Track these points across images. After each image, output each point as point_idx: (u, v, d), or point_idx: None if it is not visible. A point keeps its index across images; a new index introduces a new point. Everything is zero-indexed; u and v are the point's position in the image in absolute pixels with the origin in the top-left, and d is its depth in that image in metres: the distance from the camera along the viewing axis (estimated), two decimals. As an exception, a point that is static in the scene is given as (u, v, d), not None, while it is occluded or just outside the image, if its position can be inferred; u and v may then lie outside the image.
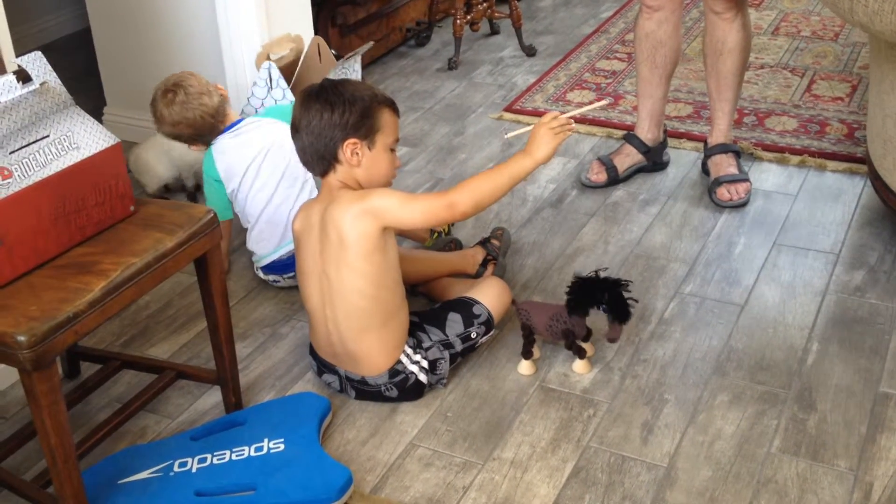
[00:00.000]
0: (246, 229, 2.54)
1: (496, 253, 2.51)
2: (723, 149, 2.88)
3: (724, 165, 2.85)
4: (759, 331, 2.30)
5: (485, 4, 3.95)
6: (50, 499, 1.78)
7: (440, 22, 4.19)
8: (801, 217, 2.73)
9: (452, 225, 2.70)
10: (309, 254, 2.08)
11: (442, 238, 2.62)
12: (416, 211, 1.99)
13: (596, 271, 2.12)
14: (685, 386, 2.13)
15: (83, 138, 1.79)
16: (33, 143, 1.72)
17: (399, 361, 2.08)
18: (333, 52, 3.06)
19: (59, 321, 1.60)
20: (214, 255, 1.93)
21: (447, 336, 2.15)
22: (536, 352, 2.21)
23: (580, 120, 2.13)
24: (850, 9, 2.17)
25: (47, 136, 1.74)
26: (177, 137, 2.52)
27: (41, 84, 1.77)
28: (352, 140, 2.00)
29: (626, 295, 2.08)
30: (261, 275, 2.54)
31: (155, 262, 1.78)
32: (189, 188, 2.95)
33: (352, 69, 2.96)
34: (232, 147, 2.48)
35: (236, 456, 1.95)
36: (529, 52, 3.96)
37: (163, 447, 2.00)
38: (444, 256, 2.49)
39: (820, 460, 1.92)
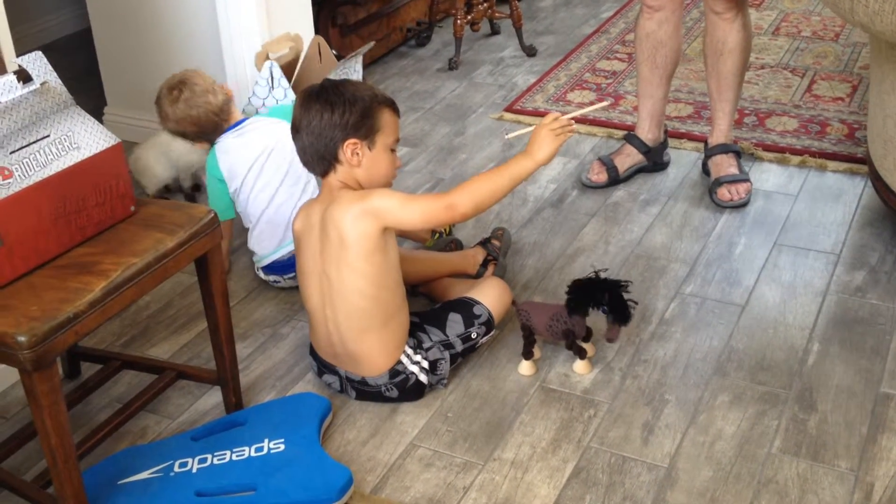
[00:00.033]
0: (247, 229, 2.54)
1: (497, 253, 2.51)
2: (723, 149, 2.88)
3: (724, 166, 2.85)
4: (759, 331, 2.29)
5: (485, 4, 3.95)
6: (50, 499, 1.78)
7: (441, 22, 4.18)
8: (801, 217, 2.73)
9: (453, 225, 2.70)
10: (309, 254, 2.07)
11: (443, 238, 2.62)
12: (416, 212, 1.99)
13: (596, 272, 2.12)
14: (686, 386, 2.13)
15: (84, 138, 1.78)
16: (34, 142, 1.72)
17: (399, 362, 2.08)
18: (334, 51, 3.06)
19: (60, 321, 1.60)
20: (215, 255, 1.93)
21: (448, 336, 2.15)
22: (537, 352, 2.21)
23: (580, 120, 2.14)
24: (851, 9, 2.17)
25: (48, 136, 1.74)
26: (181, 135, 2.52)
27: (42, 84, 1.77)
28: (352, 140, 2.00)
29: (626, 296, 2.08)
30: (261, 275, 2.54)
31: (155, 263, 1.78)
32: (186, 189, 2.95)
33: (353, 69, 2.96)
34: (235, 146, 2.48)
35: (237, 456, 1.95)
36: (530, 52, 3.96)
37: (163, 447, 2.00)
38: (445, 257, 2.49)
39: (821, 461, 1.92)
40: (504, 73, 3.81)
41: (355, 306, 2.02)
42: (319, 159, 2.04)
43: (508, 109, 3.47)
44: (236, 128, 2.50)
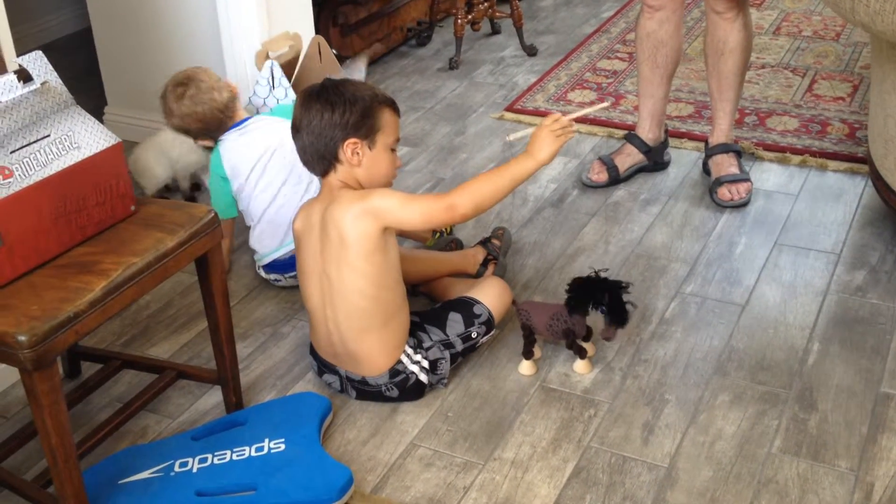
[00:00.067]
0: (248, 228, 2.54)
1: (497, 253, 2.51)
2: (724, 148, 2.88)
3: (725, 165, 2.85)
4: (759, 331, 2.29)
5: (486, 4, 3.95)
6: (50, 499, 1.78)
7: (441, 22, 4.18)
8: (802, 217, 2.73)
9: (454, 225, 2.70)
10: (309, 253, 2.08)
11: (443, 238, 2.62)
12: (416, 212, 1.99)
13: (596, 272, 2.12)
14: (686, 386, 2.13)
15: (84, 138, 1.78)
16: (34, 142, 1.72)
17: (400, 361, 2.08)
18: (334, 51, 3.06)
19: (60, 321, 1.60)
20: (215, 254, 1.93)
21: (448, 336, 2.15)
22: (537, 352, 2.21)
23: (581, 120, 2.13)
24: (852, 9, 2.17)
25: (48, 135, 1.74)
26: (185, 131, 2.53)
27: (42, 83, 1.77)
28: (352, 140, 2.00)
29: (625, 298, 2.08)
30: (262, 274, 2.54)
31: (156, 262, 1.78)
32: (185, 191, 2.96)
33: (357, 70, 2.96)
34: (239, 145, 2.49)
35: (237, 456, 1.95)
36: (530, 51, 3.95)
37: (163, 447, 2.00)
38: (445, 256, 2.49)
39: (821, 460, 1.92)
40: (505, 72, 3.81)
41: (355, 306, 2.02)
42: (320, 159, 2.04)
43: (509, 109, 3.47)
44: (240, 126, 2.50)
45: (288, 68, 2.93)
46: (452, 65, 3.85)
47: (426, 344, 2.13)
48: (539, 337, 2.20)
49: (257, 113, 2.72)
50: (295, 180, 2.46)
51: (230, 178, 2.50)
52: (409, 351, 2.10)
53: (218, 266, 1.94)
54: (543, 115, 3.38)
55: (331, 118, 1.99)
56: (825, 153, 3.03)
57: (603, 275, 2.11)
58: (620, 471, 1.92)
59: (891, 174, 2.45)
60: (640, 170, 2.98)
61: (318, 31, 3.29)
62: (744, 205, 2.79)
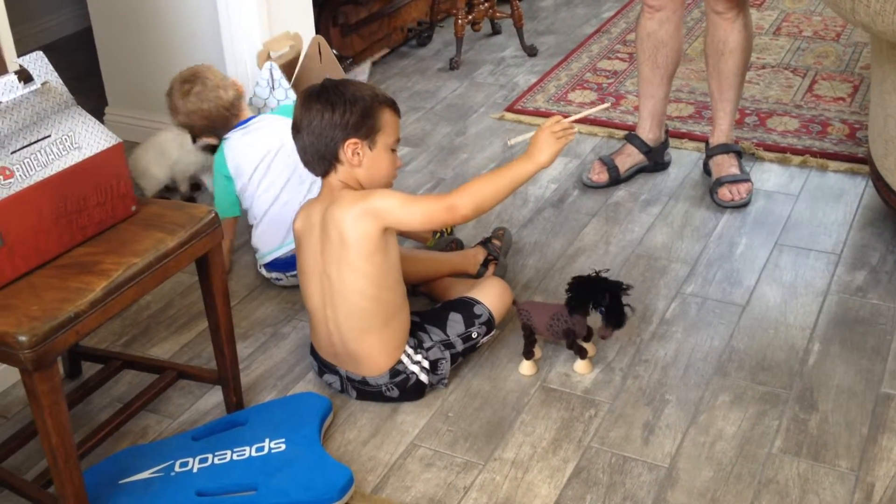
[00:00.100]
0: (250, 227, 2.55)
1: (497, 253, 2.51)
2: (724, 149, 2.88)
3: (725, 166, 2.85)
4: (760, 331, 2.29)
5: (486, 4, 3.95)
6: (51, 499, 1.78)
7: (441, 22, 4.18)
8: (802, 217, 2.73)
9: (454, 225, 2.70)
10: (310, 254, 2.08)
11: (443, 238, 2.62)
12: (417, 213, 1.99)
13: (596, 272, 2.12)
14: (686, 386, 2.13)
15: (84, 138, 1.79)
16: (35, 142, 1.72)
17: (400, 361, 2.08)
18: (334, 51, 3.06)
19: (61, 321, 1.60)
20: (216, 254, 1.93)
21: (448, 336, 2.15)
22: (538, 352, 2.21)
23: (581, 120, 2.13)
24: (852, 9, 2.17)
25: (49, 135, 1.74)
26: (190, 128, 2.54)
27: (42, 84, 1.77)
28: (353, 140, 2.00)
29: (624, 301, 2.08)
30: (263, 272, 2.54)
31: (156, 262, 1.78)
32: (184, 192, 2.96)
33: (360, 73, 2.97)
34: (243, 144, 2.49)
35: (237, 456, 1.95)
36: (531, 52, 3.96)
37: (164, 447, 2.00)
38: (446, 256, 2.49)
39: (821, 461, 1.92)
40: (505, 72, 3.81)
41: (356, 306, 2.02)
42: (320, 159, 2.04)
43: (509, 109, 3.47)
44: (244, 125, 2.51)
45: (288, 68, 2.93)
46: (453, 65, 3.85)
47: (426, 344, 2.13)
48: (539, 337, 2.20)
49: (259, 112, 2.72)
50: (298, 179, 2.46)
51: (234, 177, 2.50)
52: (410, 351, 2.10)
53: (218, 266, 1.94)
54: (544, 115, 3.39)
55: (331, 118, 1.99)
56: (825, 153, 3.03)
57: (603, 275, 2.11)
58: (621, 471, 1.92)
59: (891, 174, 2.45)
60: (640, 170, 2.98)
61: (318, 32, 3.29)
62: (744, 205, 2.79)
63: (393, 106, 2.07)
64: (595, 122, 3.31)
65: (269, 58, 2.84)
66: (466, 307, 2.19)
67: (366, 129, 2.01)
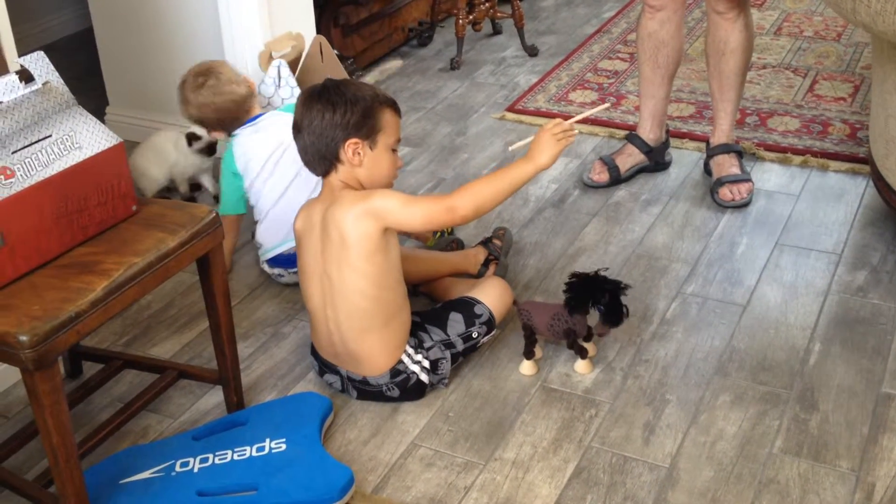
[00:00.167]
0: (255, 224, 2.56)
1: (498, 253, 2.51)
2: (725, 149, 2.88)
3: (726, 165, 2.85)
4: (761, 331, 2.29)
5: (487, 4, 3.95)
6: (51, 498, 1.79)
7: (442, 22, 4.18)
8: (803, 217, 2.73)
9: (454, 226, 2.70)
10: (310, 253, 2.08)
11: (444, 238, 2.62)
12: (417, 213, 1.99)
13: (596, 271, 2.12)
14: (687, 386, 2.13)
15: (85, 138, 1.79)
16: (36, 142, 1.72)
17: (400, 361, 2.08)
18: (335, 51, 3.06)
19: (62, 321, 1.61)
20: (216, 254, 1.93)
21: (449, 336, 2.15)
22: (538, 352, 2.21)
23: (582, 120, 2.14)
24: (853, 9, 2.17)
25: (49, 135, 1.74)
26: (200, 121, 2.57)
27: (43, 84, 1.77)
28: (353, 140, 2.00)
29: (623, 300, 2.08)
30: (266, 268, 2.55)
31: (157, 262, 1.78)
32: (184, 193, 2.96)
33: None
34: (252, 141, 2.51)
35: (238, 456, 1.95)
36: (532, 51, 3.95)
37: (165, 447, 2.00)
38: (446, 256, 2.49)
39: (822, 461, 1.92)
40: (506, 72, 3.81)
41: (356, 306, 2.02)
42: (321, 159, 2.04)
43: (510, 109, 3.47)
44: (253, 122, 2.53)
45: (290, 68, 2.92)
46: (453, 65, 3.85)
47: (427, 344, 2.13)
48: (540, 337, 2.20)
49: (267, 104, 2.73)
50: (305, 176, 2.46)
51: (242, 173, 2.52)
52: (410, 351, 2.10)
53: (219, 266, 1.94)
54: (545, 115, 3.39)
55: (332, 118, 1.99)
56: (826, 153, 3.03)
57: (602, 273, 2.11)
58: (621, 471, 1.92)
59: (892, 174, 2.45)
60: (641, 170, 2.98)
61: (319, 32, 3.29)
62: (745, 205, 2.79)
63: (394, 106, 2.07)
64: (596, 122, 3.31)
65: (270, 58, 2.85)
66: (467, 307, 2.19)
67: (366, 129, 2.01)
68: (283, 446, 1.96)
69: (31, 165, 1.69)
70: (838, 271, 2.49)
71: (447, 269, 2.45)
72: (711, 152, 2.90)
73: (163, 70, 3.19)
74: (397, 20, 3.96)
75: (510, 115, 3.42)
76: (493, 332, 2.22)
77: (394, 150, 2.07)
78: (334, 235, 2.00)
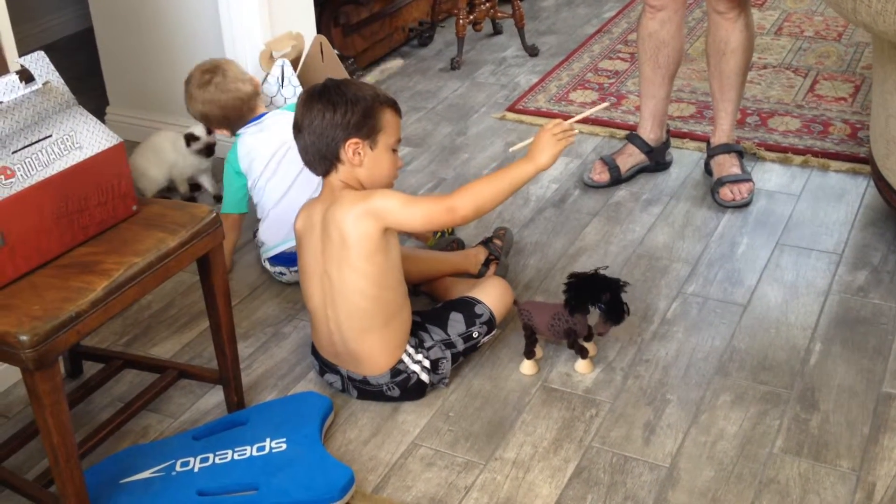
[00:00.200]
0: (256, 223, 2.56)
1: (498, 253, 2.51)
2: (726, 149, 2.88)
3: (727, 165, 2.85)
4: (761, 331, 2.29)
5: (487, 4, 3.95)
6: (52, 498, 1.79)
7: (443, 22, 4.18)
8: (804, 217, 2.73)
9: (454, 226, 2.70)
10: (310, 253, 2.08)
11: (444, 238, 2.62)
12: (417, 214, 1.99)
13: (595, 270, 2.12)
14: (687, 386, 2.13)
15: (86, 138, 1.79)
16: (36, 142, 1.72)
17: (401, 361, 2.08)
18: (336, 51, 3.06)
19: (62, 320, 1.61)
20: (217, 254, 1.93)
21: (449, 335, 2.15)
22: (539, 351, 2.21)
23: (582, 120, 2.14)
24: (854, 9, 2.17)
25: (50, 135, 1.74)
26: (205, 118, 2.57)
27: (44, 84, 1.77)
28: (354, 140, 2.00)
29: (623, 298, 2.08)
30: (267, 266, 2.55)
31: (157, 262, 1.78)
32: (183, 193, 2.96)
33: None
34: (256, 140, 2.51)
35: (238, 455, 1.95)
36: (532, 51, 3.95)
37: (165, 446, 2.00)
38: (447, 256, 2.49)
39: (822, 461, 1.92)
40: (506, 72, 3.81)
41: (357, 306, 2.02)
42: (321, 159, 2.04)
43: (511, 109, 3.46)
44: (258, 121, 2.54)
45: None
46: (454, 65, 3.85)
47: (427, 343, 2.13)
48: (540, 337, 2.20)
49: (270, 103, 2.74)
50: (307, 175, 2.46)
51: (246, 172, 2.52)
52: (411, 350, 2.10)
53: (219, 266, 1.94)
54: (545, 115, 3.39)
55: (332, 118, 1.99)
56: (827, 153, 3.03)
57: (602, 272, 2.11)
58: (622, 471, 1.92)
59: (893, 174, 2.45)
60: (641, 170, 2.98)
61: (319, 32, 3.29)
62: (745, 205, 2.79)
63: (394, 106, 2.07)
64: (596, 121, 3.31)
65: (271, 57, 2.85)
66: (467, 307, 2.19)
67: (367, 128, 2.01)
68: (284, 446, 1.96)
69: (31, 165, 1.69)
70: (839, 271, 2.49)
71: (448, 269, 2.45)
72: (712, 152, 2.90)
73: (163, 70, 3.20)
74: (398, 20, 3.96)
75: (511, 115, 3.42)
76: (493, 332, 2.22)
77: (394, 150, 2.07)
78: (335, 235, 2.00)
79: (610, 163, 2.94)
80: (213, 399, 2.17)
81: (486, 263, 2.48)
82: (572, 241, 2.68)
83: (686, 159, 3.07)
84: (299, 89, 2.78)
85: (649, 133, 2.95)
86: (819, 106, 3.34)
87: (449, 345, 2.14)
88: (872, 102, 2.57)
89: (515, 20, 3.94)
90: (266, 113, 2.56)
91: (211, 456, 1.95)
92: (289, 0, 3.09)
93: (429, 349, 2.12)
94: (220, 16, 2.98)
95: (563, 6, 4.52)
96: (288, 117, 2.51)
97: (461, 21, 3.82)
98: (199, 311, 2.46)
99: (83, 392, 2.10)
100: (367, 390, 2.11)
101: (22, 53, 1.90)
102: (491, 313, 2.19)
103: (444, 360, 2.12)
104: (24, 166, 1.68)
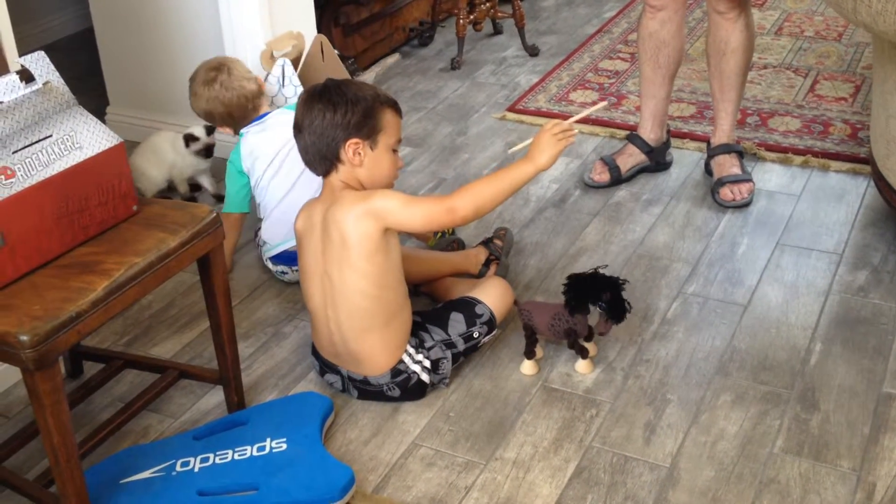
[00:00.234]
0: (258, 223, 2.56)
1: (499, 253, 2.51)
2: (726, 149, 2.88)
3: (727, 166, 2.85)
4: (762, 331, 2.29)
5: (488, 4, 3.95)
6: (52, 498, 1.79)
7: (443, 22, 4.18)
8: (804, 217, 2.73)
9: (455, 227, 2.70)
10: (311, 254, 2.08)
11: (445, 238, 2.62)
12: (417, 214, 1.99)
13: (595, 269, 2.12)
14: (688, 386, 2.13)
15: (86, 138, 1.79)
16: (36, 142, 1.72)
17: (401, 361, 2.08)
18: (336, 51, 3.06)
19: (62, 321, 1.61)
20: (217, 254, 1.93)
21: (449, 336, 2.15)
22: (539, 351, 2.21)
23: (583, 120, 2.14)
24: (854, 9, 2.17)
25: (50, 135, 1.74)
26: (208, 116, 2.57)
27: (44, 84, 1.77)
28: (354, 140, 2.00)
29: (624, 295, 2.09)
30: (269, 265, 2.55)
31: (158, 262, 1.78)
32: (183, 194, 2.96)
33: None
34: (260, 140, 2.51)
35: (239, 455, 1.95)
36: (532, 51, 3.95)
37: (165, 447, 2.00)
38: (447, 256, 2.49)
39: (823, 461, 1.92)
40: (507, 72, 3.81)
41: (357, 306, 2.02)
42: (321, 159, 2.04)
43: (511, 109, 3.46)
44: (261, 120, 2.54)
45: (290, 68, 2.93)
46: (454, 65, 3.85)
47: (428, 343, 2.13)
48: (541, 337, 2.20)
49: (271, 103, 2.74)
50: (309, 174, 2.46)
51: (249, 172, 2.52)
52: (411, 350, 2.10)
53: (220, 266, 1.94)
54: (545, 115, 3.39)
55: (332, 118, 1.99)
56: (827, 154, 3.03)
57: (602, 271, 2.11)
58: (622, 471, 1.92)
59: (893, 174, 2.45)
60: (642, 170, 2.98)
61: (319, 32, 3.29)
62: (746, 205, 2.79)
63: (394, 106, 2.07)
64: (597, 122, 3.31)
65: (272, 57, 2.85)
66: (468, 307, 2.19)
67: (367, 129, 2.01)
68: (284, 446, 1.96)
69: (31, 165, 1.69)
70: (839, 271, 2.49)
71: (448, 269, 2.45)
72: (712, 152, 2.90)
73: (163, 70, 3.20)
74: (398, 20, 3.96)
75: (511, 115, 3.42)
76: (493, 332, 2.22)
77: (394, 151, 2.07)
78: (335, 236, 2.00)
79: (610, 163, 2.94)
80: (213, 399, 2.17)
81: (487, 263, 2.48)
82: (573, 242, 2.68)
83: (686, 159, 3.07)
84: (300, 89, 2.78)
85: (649, 133, 2.95)
86: (819, 106, 3.34)
87: (449, 345, 2.14)
88: (873, 103, 2.57)
89: (516, 20, 3.94)
90: (269, 112, 2.57)
91: (211, 456, 1.95)
92: (289, 0, 3.08)
93: (429, 349, 2.12)
94: (221, 16, 2.98)
95: (563, 6, 4.52)
96: (291, 117, 2.52)
97: (461, 21, 3.82)
98: (199, 311, 2.46)
99: (83, 392, 2.10)
100: (368, 390, 2.11)
101: (22, 53, 1.90)
102: (491, 313, 2.19)
103: (445, 360, 2.12)
104: (25, 166, 1.68)
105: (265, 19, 2.97)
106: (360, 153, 2.01)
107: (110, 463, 1.96)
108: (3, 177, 1.65)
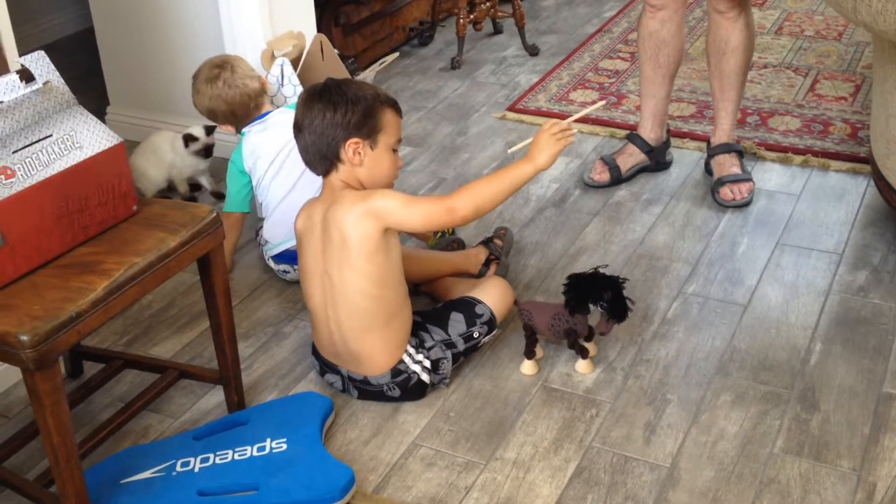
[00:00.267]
0: (258, 222, 2.56)
1: (499, 252, 2.51)
2: (726, 148, 2.88)
3: (727, 165, 2.85)
4: (762, 331, 2.29)
5: (488, 4, 3.95)
6: (52, 498, 1.79)
7: (443, 21, 4.18)
8: (804, 217, 2.73)
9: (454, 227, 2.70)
10: (311, 253, 2.08)
11: (445, 238, 2.62)
12: (417, 214, 1.99)
13: (595, 269, 2.12)
14: (688, 386, 2.13)
15: (86, 138, 1.79)
16: (36, 142, 1.72)
17: (401, 361, 2.08)
18: (336, 51, 3.06)
19: (62, 321, 1.61)
20: (217, 254, 1.93)
21: (450, 335, 2.15)
22: (539, 351, 2.21)
23: (583, 120, 2.15)
24: (854, 8, 2.17)
25: (50, 135, 1.74)
26: (211, 113, 2.57)
27: (44, 83, 1.77)
28: (354, 140, 2.00)
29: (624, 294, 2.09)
30: (271, 264, 2.55)
31: (158, 262, 1.78)
32: (183, 194, 2.96)
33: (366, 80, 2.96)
34: (262, 139, 2.52)
35: (239, 455, 1.95)
36: (532, 51, 3.95)
37: (165, 447, 2.00)
38: (447, 256, 2.49)
39: (823, 461, 1.92)
40: (507, 72, 3.81)
41: (357, 306, 2.02)
42: (321, 158, 2.04)
43: (511, 109, 3.46)
44: (262, 119, 2.55)
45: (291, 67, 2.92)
46: (454, 64, 3.85)
47: (428, 343, 2.13)
48: (541, 337, 2.20)
49: (271, 102, 2.74)
50: (311, 173, 2.46)
51: (250, 171, 2.52)
52: (411, 350, 2.10)
53: (220, 266, 1.94)
54: (545, 114, 3.39)
55: (332, 118, 1.99)
56: (827, 153, 3.03)
57: (602, 270, 2.11)
58: (622, 471, 1.92)
59: (893, 174, 2.44)
60: (642, 170, 2.98)
61: (319, 31, 3.29)
62: (746, 205, 2.79)
63: (395, 106, 2.07)
64: (597, 121, 3.31)
65: (273, 57, 2.85)
66: (468, 307, 2.19)
67: (367, 128, 2.01)
68: (284, 446, 1.96)
69: (31, 165, 1.69)
70: (839, 271, 2.49)
71: (448, 269, 2.45)
72: (712, 152, 2.90)
73: (163, 70, 3.20)
74: (398, 19, 3.96)
75: (511, 115, 3.42)
76: (494, 332, 2.22)
77: (394, 150, 2.07)
78: (335, 235, 2.00)
79: (610, 162, 2.94)
80: (213, 399, 2.17)
81: (487, 263, 2.48)
82: (573, 241, 2.68)
83: (686, 159, 3.07)
84: (299, 88, 2.78)
85: (650, 133, 2.95)
86: (819, 105, 3.34)
87: (449, 345, 2.14)
88: (873, 102, 2.57)
89: (516, 20, 3.94)
90: (270, 111, 2.57)
91: (211, 456, 1.95)
92: (289, 0, 3.08)
93: (429, 349, 2.12)
94: (221, 16, 2.98)
95: (563, 6, 4.52)
96: (292, 116, 2.52)
97: (461, 20, 3.82)
98: (199, 310, 2.46)
99: (83, 392, 2.10)
100: (368, 390, 2.11)
101: (22, 53, 1.90)
102: (491, 313, 2.19)
103: (445, 360, 2.12)
104: (25, 166, 1.68)
105: (265, 19, 2.97)
106: (360, 153, 2.01)
107: (110, 463, 1.96)
108: (3, 177, 1.65)
